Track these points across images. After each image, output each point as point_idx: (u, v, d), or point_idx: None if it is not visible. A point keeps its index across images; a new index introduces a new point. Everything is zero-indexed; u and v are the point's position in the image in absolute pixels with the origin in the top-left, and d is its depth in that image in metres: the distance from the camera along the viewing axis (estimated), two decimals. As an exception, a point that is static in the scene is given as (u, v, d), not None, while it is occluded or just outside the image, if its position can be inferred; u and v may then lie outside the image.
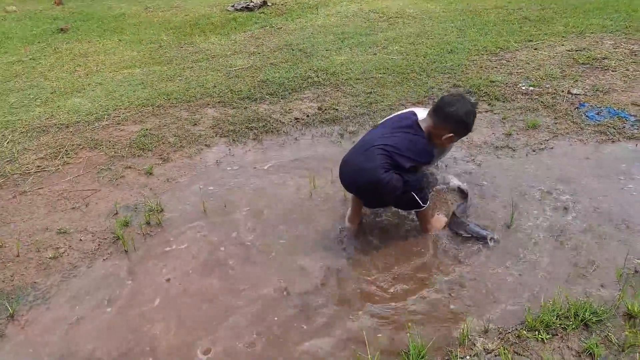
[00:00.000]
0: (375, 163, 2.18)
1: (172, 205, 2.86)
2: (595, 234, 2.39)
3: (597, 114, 3.44)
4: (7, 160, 3.39)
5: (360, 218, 2.60)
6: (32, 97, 4.48)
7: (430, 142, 2.33)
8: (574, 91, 3.78)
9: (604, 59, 4.35)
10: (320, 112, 3.85)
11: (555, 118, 3.46)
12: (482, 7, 6.30)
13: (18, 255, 2.50)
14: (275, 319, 2.05)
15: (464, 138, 2.64)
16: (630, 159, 2.96)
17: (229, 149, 3.44)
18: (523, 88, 3.92)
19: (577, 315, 1.92)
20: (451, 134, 2.30)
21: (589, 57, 4.40)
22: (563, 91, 3.81)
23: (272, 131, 3.64)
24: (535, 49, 4.74)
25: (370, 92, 4.08)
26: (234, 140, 3.54)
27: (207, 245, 2.52)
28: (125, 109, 4.11)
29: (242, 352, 1.91)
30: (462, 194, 2.72)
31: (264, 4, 7.16)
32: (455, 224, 2.46)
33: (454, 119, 2.28)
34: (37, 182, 3.15)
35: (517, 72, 4.22)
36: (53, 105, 4.25)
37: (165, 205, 2.85)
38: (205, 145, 3.51)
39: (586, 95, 3.73)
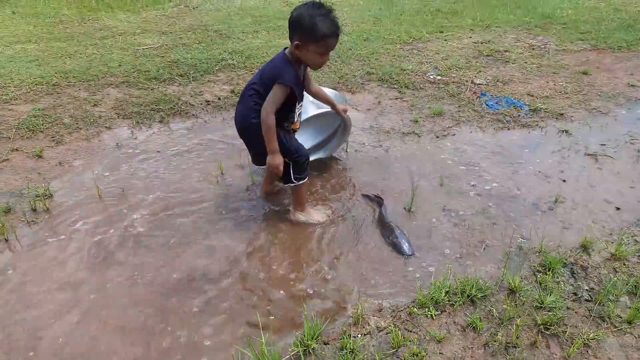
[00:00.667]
0: (246, 105, 2.19)
1: (63, 191, 2.64)
2: (487, 215, 2.53)
3: (496, 103, 3.64)
4: None
5: (273, 189, 2.61)
6: None
7: (297, 64, 2.18)
8: (477, 81, 3.98)
9: (505, 51, 4.62)
10: (233, 95, 3.74)
11: (459, 106, 3.62)
12: (398, -3, 6.46)
13: None
14: (169, 304, 1.96)
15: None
16: (523, 145, 3.17)
17: (132, 132, 3.24)
18: (431, 77, 4.07)
19: (464, 292, 2.01)
20: (297, 42, 2.07)
21: (492, 49, 4.65)
22: (467, 81, 3.99)
23: (180, 114, 3.48)
24: (445, 40, 4.93)
25: (285, 77, 4.02)
26: (137, 122, 3.35)
27: (101, 233, 2.35)
28: (15, 87, 3.74)
29: (130, 341, 1.80)
30: (378, 198, 2.64)
31: (180, -19, 6.82)
32: (382, 227, 2.42)
33: (293, 22, 2.09)
34: None
35: (427, 62, 4.37)
36: None
37: (55, 191, 2.63)
38: (106, 127, 3.28)
39: (488, 85, 3.94)
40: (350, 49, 4.61)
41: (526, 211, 2.56)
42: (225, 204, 2.57)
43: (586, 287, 2.10)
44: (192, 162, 2.93)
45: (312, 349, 1.79)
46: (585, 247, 2.30)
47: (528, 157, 3.04)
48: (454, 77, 4.06)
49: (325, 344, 1.83)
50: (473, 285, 2.03)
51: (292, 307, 1.97)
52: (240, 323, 1.89)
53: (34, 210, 2.48)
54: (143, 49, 4.57)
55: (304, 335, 1.80)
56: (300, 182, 2.36)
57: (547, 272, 2.14)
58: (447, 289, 2.03)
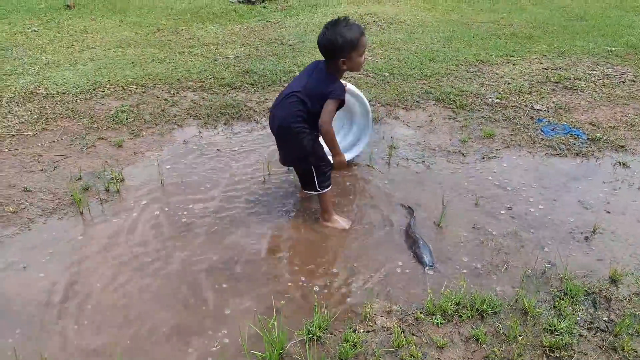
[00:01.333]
0: (288, 111, 2.39)
1: (133, 177, 3.04)
2: (517, 238, 2.54)
3: (552, 129, 3.58)
4: (-10, 122, 3.60)
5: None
6: (26, 66, 4.68)
7: (339, 75, 2.40)
8: (537, 107, 3.92)
9: (576, 79, 4.48)
10: (294, 104, 4.02)
11: (512, 130, 3.60)
12: (475, 20, 6.44)
13: (-18, 207, 2.70)
14: (203, 280, 2.22)
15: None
16: (572, 174, 3.10)
17: (199, 131, 3.62)
18: (489, 99, 4.07)
19: (474, 305, 2.07)
20: (342, 59, 2.31)
21: (562, 76, 4.53)
22: (526, 106, 3.95)
23: (243, 118, 3.81)
24: (514, 65, 4.88)
25: (345, 91, 4.24)
26: (205, 123, 3.72)
27: (156, 215, 2.69)
28: (110, 85, 4.31)
29: (161, 304, 2.09)
30: (409, 209, 2.76)
31: (267, -2, 7.34)
32: (407, 237, 2.53)
33: (329, 49, 2.30)
34: (14, 144, 3.35)
35: (488, 85, 4.37)
36: (44, 76, 4.46)
37: (126, 176, 3.03)
38: (178, 125, 3.69)
39: (548, 111, 3.87)
40: (414, 68, 4.72)
41: (559, 238, 2.54)
42: (266, 201, 2.82)
43: (605, 318, 2.06)
44: (245, 161, 3.22)
45: (318, 337, 1.95)
46: (613, 279, 2.25)
47: (574, 185, 2.98)
48: (513, 102, 4.03)
49: (332, 334, 1.99)
50: (485, 301, 2.09)
51: (307, 298, 2.14)
52: (258, 303, 2.10)
53: (107, 190, 2.89)
54: (222, 58, 5.03)
55: (312, 324, 1.98)
56: (325, 190, 2.54)
57: (566, 299, 2.13)
58: (458, 301, 2.10)
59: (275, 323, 1.93)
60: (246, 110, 3.91)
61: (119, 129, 3.60)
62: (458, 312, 2.06)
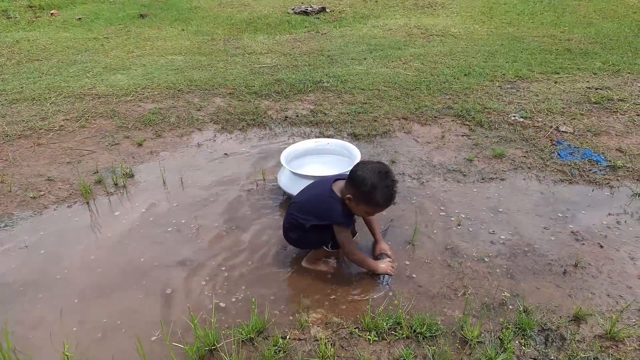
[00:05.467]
0: (286, 222, 2.45)
1: (142, 173, 3.32)
2: (487, 264, 2.43)
3: (570, 153, 3.34)
4: (41, 117, 4.10)
5: None
6: (87, 69, 5.25)
7: (346, 205, 2.27)
8: (563, 128, 3.68)
9: (620, 100, 4.13)
10: (311, 114, 4.13)
11: (526, 152, 3.42)
12: (530, 34, 6.13)
13: (10, 191, 3.11)
14: (161, 276, 2.40)
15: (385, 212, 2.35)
16: (576, 202, 2.89)
17: (214, 135, 3.85)
18: (512, 118, 3.88)
19: (411, 327, 2.04)
20: (349, 196, 2.21)
21: (604, 96, 4.19)
22: (551, 127, 3.72)
23: (259, 125, 3.98)
24: (555, 82, 4.59)
25: (366, 103, 4.27)
26: (222, 127, 3.95)
27: (145, 211, 2.92)
28: (151, 89, 4.70)
29: (126, 283, 2.29)
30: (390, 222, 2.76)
31: (322, 10, 7.52)
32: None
33: (354, 180, 2.20)
34: (54, 138, 3.79)
35: (517, 102, 4.16)
36: (98, 79, 4.97)
37: (136, 172, 3.32)
38: (198, 128, 3.95)
39: (574, 134, 3.61)
40: (444, 83, 4.62)
41: (535, 269, 2.39)
42: (255, 204, 2.95)
43: (552, 357, 1.93)
44: (247, 165, 3.38)
45: (251, 338, 2.04)
46: (577, 318, 2.09)
47: (574, 215, 2.77)
48: (538, 122, 3.81)
49: (265, 338, 2.06)
50: (424, 323, 2.04)
51: (256, 302, 2.23)
52: (204, 302, 2.23)
53: (116, 184, 3.18)
54: (259, 66, 5.26)
55: (248, 326, 2.07)
56: (333, 250, 2.44)
57: (510, 331, 2.02)
58: (398, 320, 2.07)
59: (213, 320, 2.05)
60: (264, 117, 4.08)
61: (145, 129, 3.93)
62: (395, 332, 2.04)
